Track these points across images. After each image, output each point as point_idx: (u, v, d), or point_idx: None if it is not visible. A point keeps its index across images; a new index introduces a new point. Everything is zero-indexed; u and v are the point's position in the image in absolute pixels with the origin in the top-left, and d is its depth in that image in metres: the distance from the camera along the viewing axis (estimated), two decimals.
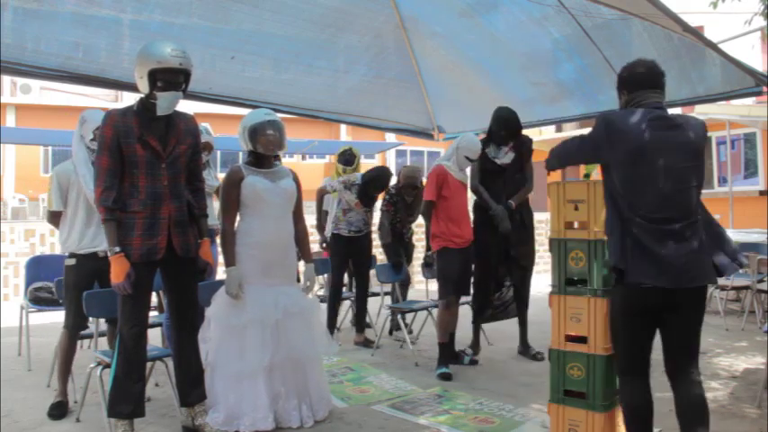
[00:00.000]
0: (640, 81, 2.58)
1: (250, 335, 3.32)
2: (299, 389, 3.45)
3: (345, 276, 5.73)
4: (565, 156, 2.77)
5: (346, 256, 5.45)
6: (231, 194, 3.44)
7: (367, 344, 5.37)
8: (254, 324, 3.33)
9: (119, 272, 2.95)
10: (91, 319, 3.79)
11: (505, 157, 4.78)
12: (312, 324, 3.58)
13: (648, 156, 2.42)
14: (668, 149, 2.44)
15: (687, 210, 2.45)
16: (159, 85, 2.97)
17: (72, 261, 3.63)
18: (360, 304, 5.57)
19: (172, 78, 2.99)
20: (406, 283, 5.95)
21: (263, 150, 3.47)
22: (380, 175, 5.31)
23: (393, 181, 5.67)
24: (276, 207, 3.49)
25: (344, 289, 5.70)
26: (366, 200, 5.36)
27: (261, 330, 3.33)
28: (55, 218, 3.73)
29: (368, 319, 6.06)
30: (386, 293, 5.95)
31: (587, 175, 3.01)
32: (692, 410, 2.58)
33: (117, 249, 2.97)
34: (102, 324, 3.80)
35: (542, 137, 15.86)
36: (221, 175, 4.06)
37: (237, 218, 3.52)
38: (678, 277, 2.39)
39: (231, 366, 3.33)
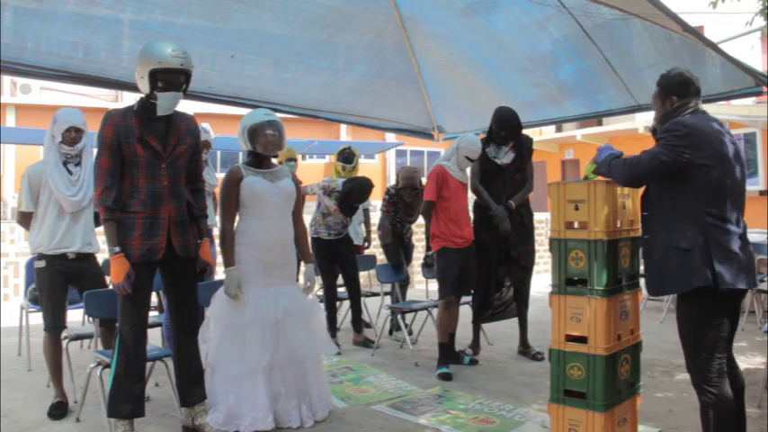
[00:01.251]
0: (691, 88, 2.69)
1: (250, 335, 3.32)
2: (298, 389, 3.45)
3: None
4: (644, 172, 2.63)
5: (331, 258, 5.41)
6: (230, 194, 3.44)
7: (367, 344, 5.36)
8: (254, 324, 3.33)
9: (119, 272, 2.95)
10: (91, 319, 3.80)
11: (505, 156, 4.77)
12: (312, 324, 3.58)
13: (725, 160, 2.57)
14: (735, 155, 2.61)
15: (743, 213, 2.66)
16: (160, 85, 2.98)
17: (42, 263, 3.60)
18: (354, 305, 5.54)
19: (172, 79, 3.00)
20: (405, 283, 5.94)
21: (263, 150, 3.47)
22: (360, 186, 5.15)
23: (392, 181, 5.65)
24: (275, 207, 3.49)
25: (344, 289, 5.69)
26: (346, 209, 5.25)
27: (260, 330, 3.33)
28: (25, 219, 3.68)
29: (368, 319, 6.06)
30: (386, 293, 5.95)
31: (587, 177, 3.01)
32: (742, 393, 2.78)
33: (117, 249, 2.97)
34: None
35: (542, 137, 15.86)
36: (220, 175, 4.06)
37: (237, 218, 3.52)
38: (753, 277, 2.61)
39: (231, 366, 3.33)
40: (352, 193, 5.15)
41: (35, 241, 3.62)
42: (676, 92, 2.68)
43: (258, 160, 3.51)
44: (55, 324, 3.64)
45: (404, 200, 5.62)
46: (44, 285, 3.62)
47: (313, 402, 3.49)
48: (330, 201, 5.27)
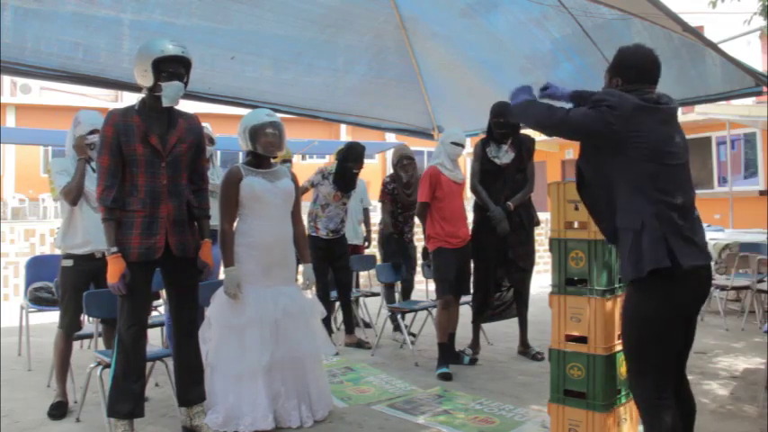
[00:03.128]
0: (645, 75, 2.39)
1: (249, 335, 3.32)
2: (298, 389, 3.45)
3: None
4: (572, 126, 2.34)
5: (327, 258, 5.39)
6: (230, 194, 3.44)
7: (361, 344, 5.35)
8: (254, 324, 3.33)
9: (114, 272, 2.95)
10: (91, 319, 3.80)
11: (505, 156, 4.77)
12: (311, 324, 3.59)
13: (670, 141, 2.33)
14: (678, 137, 2.37)
15: (692, 201, 2.37)
16: (164, 75, 2.99)
17: (69, 262, 3.61)
18: (345, 305, 5.53)
19: (175, 68, 3.02)
20: (408, 286, 5.84)
21: (263, 151, 3.47)
22: (352, 146, 5.31)
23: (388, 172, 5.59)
24: (275, 208, 3.49)
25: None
26: (343, 182, 5.27)
27: (260, 330, 3.33)
28: (70, 193, 3.50)
29: (367, 319, 6.05)
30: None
31: None
32: (693, 409, 2.46)
33: (114, 250, 2.97)
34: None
35: (542, 137, 15.87)
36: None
37: (237, 218, 3.52)
38: (708, 254, 2.33)
39: (231, 366, 3.33)
40: (347, 155, 5.25)
41: (63, 240, 3.62)
42: (624, 75, 2.40)
43: (258, 160, 3.51)
44: (72, 324, 3.65)
45: (400, 179, 5.53)
46: (67, 285, 3.62)
47: (313, 402, 3.49)
48: (328, 185, 5.28)
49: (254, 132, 3.44)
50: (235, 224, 3.50)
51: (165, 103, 3.03)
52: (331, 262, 5.42)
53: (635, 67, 2.40)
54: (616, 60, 2.46)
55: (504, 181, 4.77)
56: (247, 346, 3.31)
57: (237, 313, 3.34)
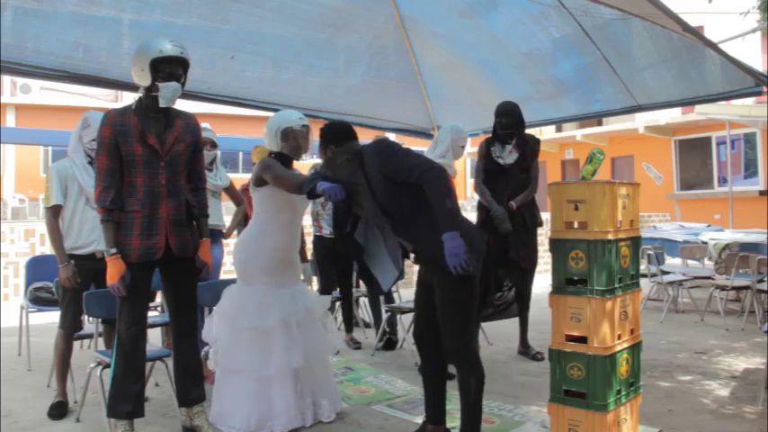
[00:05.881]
0: (350, 133, 3.10)
1: (277, 336, 3.29)
2: (312, 386, 3.45)
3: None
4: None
5: (332, 258, 5.38)
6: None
7: (359, 345, 5.34)
8: (280, 325, 3.31)
9: (114, 273, 2.95)
10: (91, 319, 3.80)
11: (509, 157, 4.75)
12: (324, 320, 3.62)
13: None
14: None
15: None
16: (161, 75, 2.98)
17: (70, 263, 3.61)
18: (345, 304, 5.53)
19: (173, 69, 3.00)
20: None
21: (290, 152, 3.43)
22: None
23: None
24: (295, 211, 3.48)
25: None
26: None
27: (287, 331, 3.32)
28: (55, 214, 3.60)
29: (367, 319, 6.05)
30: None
31: (584, 178, 3.00)
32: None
33: (113, 251, 2.96)
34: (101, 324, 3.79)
35: (542, 137, 15.88)
36: (231, 175, 3.98)
37: (255, 222, 3.48)
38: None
39: (260, 369, 3.28)
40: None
41: (66, 241, 3.61)
42: (335, 141, 3.03)
43: (284, 162, 3.45)
44: (73, 324, 3.66)
45: None
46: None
47: (329, 398, 3.50)
48: None
49: (285, 134, 3.41)
50: (254, 226, 3.47)
51: (162, 103, 3.03)
52: (335, 262, 5.43)
53: (340, 132, 3.09)
54: (324, 136, 3.08)
55: (508, 181, 4.76)
56: (275, 347, 3.28)
57: (262, 314, 3.30)
